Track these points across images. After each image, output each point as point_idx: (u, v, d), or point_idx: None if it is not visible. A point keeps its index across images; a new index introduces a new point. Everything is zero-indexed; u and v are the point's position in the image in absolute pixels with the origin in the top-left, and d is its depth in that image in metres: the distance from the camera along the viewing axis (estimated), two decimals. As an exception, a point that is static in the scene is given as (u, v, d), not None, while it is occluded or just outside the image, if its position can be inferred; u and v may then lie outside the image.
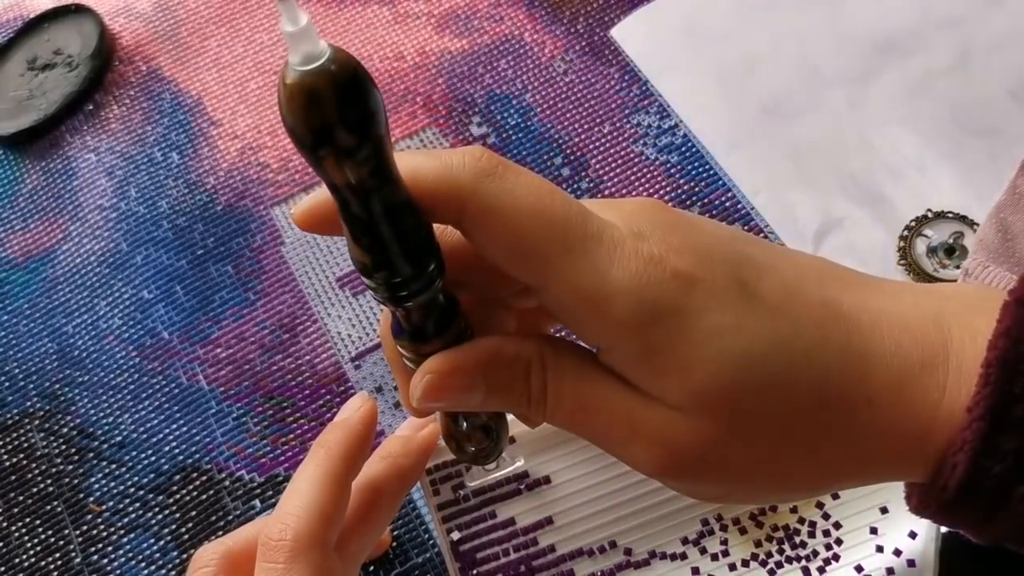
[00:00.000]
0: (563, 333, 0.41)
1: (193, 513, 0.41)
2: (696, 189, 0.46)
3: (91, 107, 0.52)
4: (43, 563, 0.41)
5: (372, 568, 0.39)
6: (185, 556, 0.40)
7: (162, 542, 0.41)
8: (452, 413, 0.28)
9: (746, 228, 0.45)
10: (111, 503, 0.42)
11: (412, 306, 0.22)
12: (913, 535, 0.35)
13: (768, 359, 0.22)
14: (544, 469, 0.38)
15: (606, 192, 0.46)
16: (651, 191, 0.46)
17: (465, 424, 0.28)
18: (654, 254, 0.22)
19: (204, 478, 0.42)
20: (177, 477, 0.42)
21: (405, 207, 0.20)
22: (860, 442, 0.23)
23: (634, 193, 0.46)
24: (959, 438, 0.22)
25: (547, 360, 0.24)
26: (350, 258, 0.22)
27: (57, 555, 0.41)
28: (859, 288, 0.24)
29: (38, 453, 0.43)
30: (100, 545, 0.41)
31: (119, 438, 0.43)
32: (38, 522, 0.42)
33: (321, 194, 0.22)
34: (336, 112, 0.18)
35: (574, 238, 0.21)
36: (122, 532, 0.41)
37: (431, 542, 0.40)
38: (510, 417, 0.38)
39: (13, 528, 0.42)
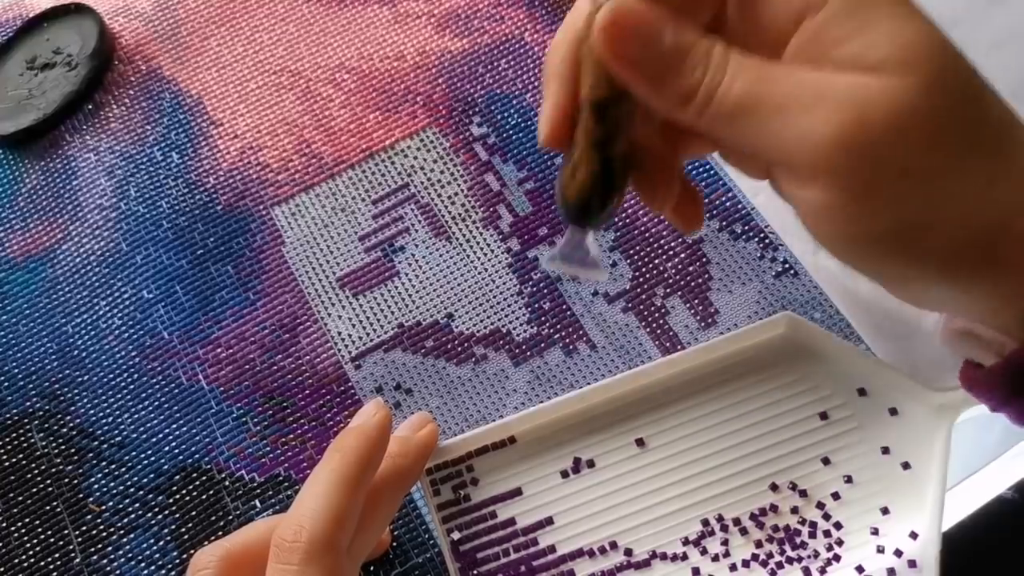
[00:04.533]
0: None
1: (193, 513, 0.41)
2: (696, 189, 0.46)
3: (91, 107, 0.52)
4: (43, 563, 0.41)
5: (372, 568, 0.39)
6: (185, 556, 0.40)
7: (162, 542, 0.41)
8: (600, 135, 0.26)
9: (746, 228, 0.45)
10: (111, 503, 0.42)
11: None
12: (914, 536, 0.36)
13: (969, 71, 0.22)
14: (545, 469, 0.38)
15: (606, 192, 0.46)
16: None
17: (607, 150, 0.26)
18: None
19: (204, 478, 0.42)
20: (177, 477, 0.42)
21: None
22: (1010, 203, 0.22)
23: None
24: None
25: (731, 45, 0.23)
26: None
27: (57, 555, 0.41)
28: None
29: (38, 453, 0.43)
30: (100, 545, 0.41)
31: (119, 438, 0.43)
32: (38, 522, 0.42)
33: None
34: None
35: None
36: (122, 532, 0.41)
37: (431, 542, 0.40)
38: (508, 419, 0.38)
39: (13, 528, 0.42)
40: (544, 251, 0.45)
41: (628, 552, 0.37)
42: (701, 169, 0.46)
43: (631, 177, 0.27)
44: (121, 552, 0.41)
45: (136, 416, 0.43)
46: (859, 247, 0.24)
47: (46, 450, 0.43)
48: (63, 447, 0.43)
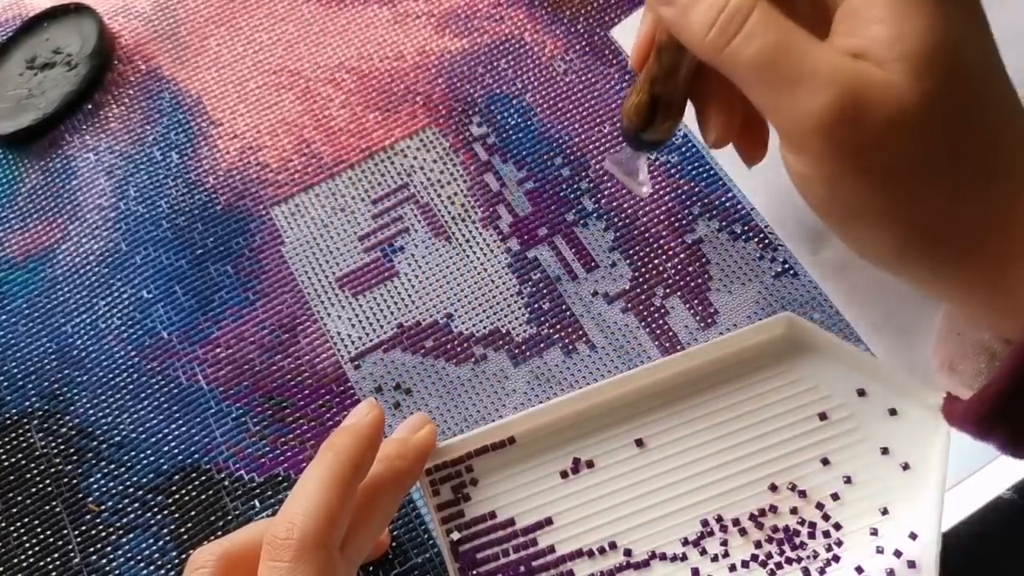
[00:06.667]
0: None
1: (192, 513, 0.41)
2: (696, 189, 0.46)
3: (90, 107, 0.52)
4: (42, 563, 0.41)
5: (372, 569, 0.39)
6: (184, 556, 0.40)
7: (161, 542, 0.41)
8: (664, 75, 0.29)
9: (746, 228, 0.45)
10: (110, 503, 0.42)
11: None
12: (914, 536, 0.35)
13: (986, 78, 0.22)
14: (545, 469, 0.38)
15: (606, 192, 0.46)
16: (651, 191, 0.46)
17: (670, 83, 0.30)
18: None
19: (203, 478, 0.42)
20: (176, 477, 0.42)
21: None
22: (994, 211, 0.23)
23: (634, 193, 0.46)
24: None
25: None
26: None
27: (56, 555, 0.41)
28: None
29: (37, 453, 0.43)
30: (99, 545, 0.41)
31: (118, 438, 0.43)
32: (37, 522, 0.42)
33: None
34: None
35: None
36: (121, 532, 0.41)
37: (431, 542, 0.40)
38: (507, 420, 0.38)
39: (12, 528, 0.42)
40: (544, 249, 0.45)
41: (627, 552, 0.37)
42: (701, 168, 0.46)
43: (673, 114, 0.31)
44: (120, 552, 0.41)
45: (135, 416, 0.43)
46: (833, 217, 0.25)
47: (45, 450, 0.43)
48: (62, 447, 0.43)
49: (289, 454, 0.42)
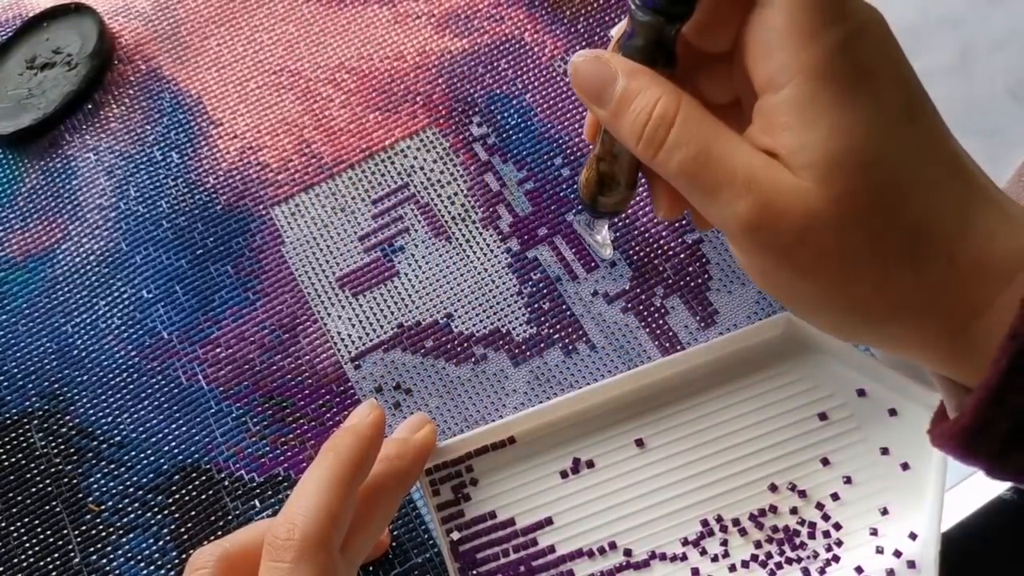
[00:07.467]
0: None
1: (192, 513, 0.41)
2: (696, 189, 0.46)
3: (90, 106, 0.52)
4: (42, 563, 0.41)
5: (372, 568, 0.39)
6: (184, 556, 0.40)
7: (161, 542, 0.41)
8: (610, 156, 0.31)
9: (746, 228, 0.45)
10: (110, 503, 0.42)
11: (670, 27, 0.25)
12: (913, 536, 0.36)
13: (901, 170, 0.23)
14: (545, 469, 0.38)
15: (606, 192, 0.46)
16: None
17: (615, 168, 0.31)
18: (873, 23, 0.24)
19: (203, 478, 0.42)
20: (176, 477, 0.42)
21: None
22: (927, 290, 0.23)
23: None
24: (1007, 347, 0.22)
25: (684, 98, 0.25)
26: None
27: (56, 555, 0.41)
28: (987, 180, 0.25)
29: (37, 453, 0.43)
30: (99, 545, 0.41)
31: (118, 438, 0.43)
32: (37, 522, 0.42)
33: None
34: None
35: None
36: (121, 532, 0.41)
37: (431, 542, 0.40)
38: (507, 420, 0.38)
39: (12, 528, 0.42)
40: (544, 249, 0.45)
41: (627, 552, 0.37)
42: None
43: (622, 189, 0.32)
44: (120, 552, 0.41)
45: (135, 416, 0.43)
46: (778, 299, 0.27)
47: (45, 450, 0.43)
48: (62, 447, 0.43)
49: (289, 454, 0.42)
